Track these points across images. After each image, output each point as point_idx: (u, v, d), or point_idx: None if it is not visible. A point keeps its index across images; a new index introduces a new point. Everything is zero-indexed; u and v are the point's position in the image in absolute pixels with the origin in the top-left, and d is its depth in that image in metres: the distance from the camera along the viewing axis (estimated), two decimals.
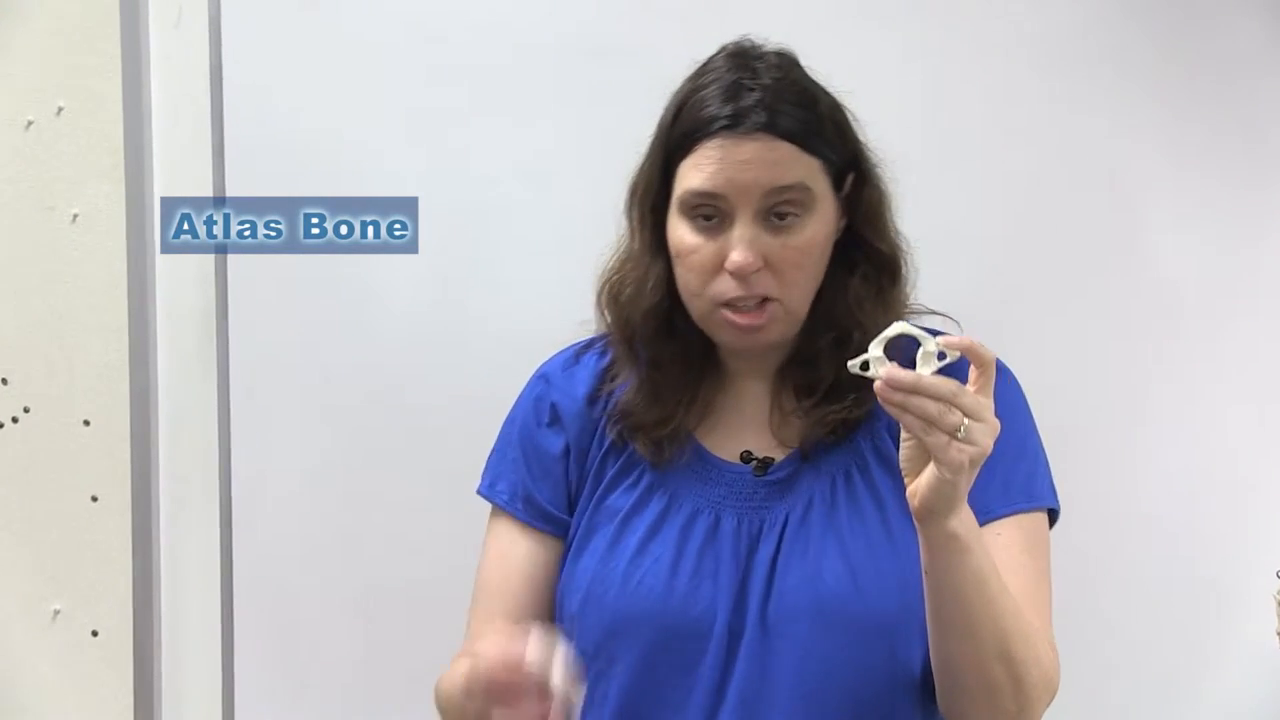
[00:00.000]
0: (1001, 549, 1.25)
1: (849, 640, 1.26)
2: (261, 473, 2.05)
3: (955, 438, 1.08)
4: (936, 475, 1.09)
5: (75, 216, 2.04)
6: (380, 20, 2.00)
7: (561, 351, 1.45)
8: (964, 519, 1.14)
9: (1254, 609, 1.93)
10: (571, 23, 1.95)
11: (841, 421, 1.33)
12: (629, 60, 1.93)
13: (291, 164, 2.00)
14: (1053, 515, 1.34)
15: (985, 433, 1.09)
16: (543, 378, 1.44)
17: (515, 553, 1.38)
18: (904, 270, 1.36)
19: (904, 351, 1.16)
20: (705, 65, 1.32)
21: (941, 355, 1.12)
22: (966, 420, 1.08)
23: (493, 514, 1.42)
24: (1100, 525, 1.87)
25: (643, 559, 1.31)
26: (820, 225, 1.29)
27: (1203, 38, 1.92)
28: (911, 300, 1.38)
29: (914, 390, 1.08)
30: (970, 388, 1.10)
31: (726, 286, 1.28)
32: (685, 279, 1.31)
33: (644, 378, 1.36)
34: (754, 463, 1.34)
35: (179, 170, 2.04)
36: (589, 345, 1.44)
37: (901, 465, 1.15)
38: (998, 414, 1.30)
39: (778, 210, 1.26)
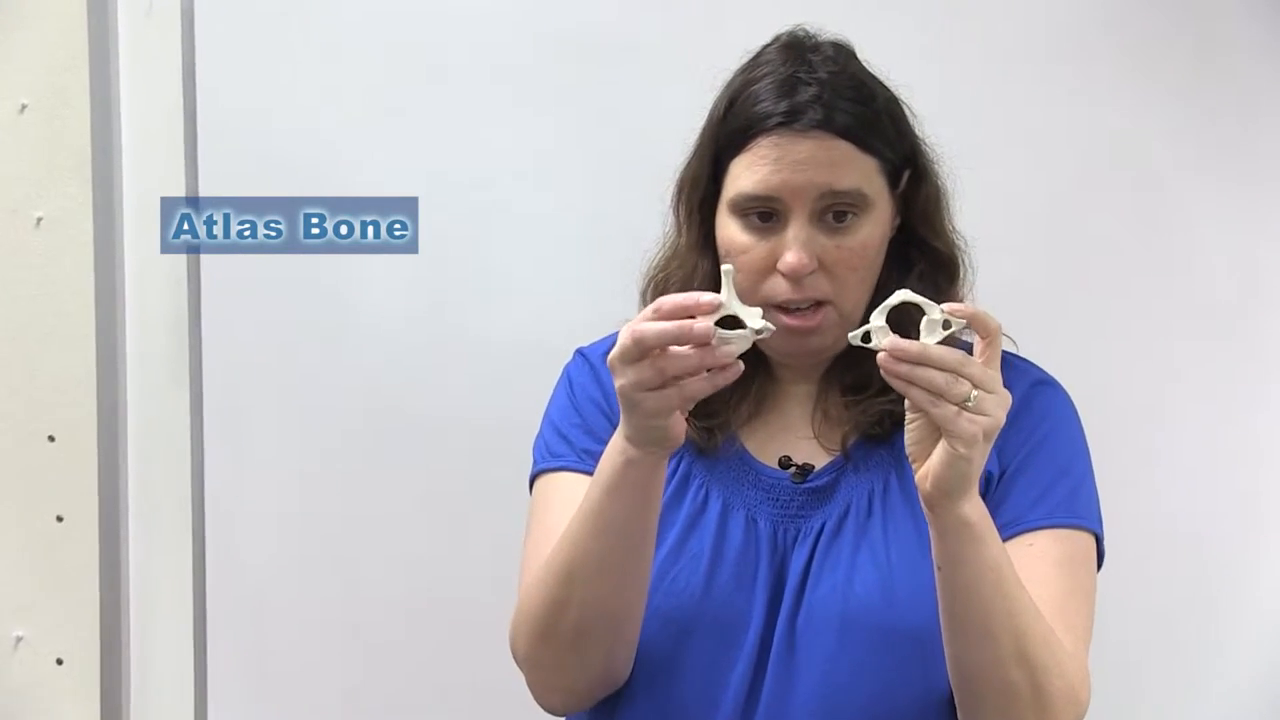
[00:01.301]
0: (1034, 558, 1.24)
1: (877, 653, 1.25)
2: (237, 490, 2.03)
3: (964, 408, 1.07)
4: (948, 451, 1.08)
5: (39, 220, 1.99)
6: (368, 10, 1.97)
7: (600, 341, 1.42)
8: (977, 506, 1.12)
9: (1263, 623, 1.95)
10: (572, 21, 1.94)
11: (888, 413, 1.30)
12: (630, 59, 1.92)
13: (268, 164, 1.97)
14: (1100, 552, 1.31)
15: (996, 404, 1.08)
16: (585, 358, 1.42)
17: None
18: (962, 269, 1.36)
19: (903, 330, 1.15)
20: (758, 57, 1.31)
21: (946, 325, 1.11)
22: (975, 390, 1.07)
23: (548, 484, 1.37)
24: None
25: (680, 555, 1.30)
26: (876, 226, 1.28)
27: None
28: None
29: (920, 360, 1.07)
30: (977, 359, 1.09)
31: (779, 288, 1.26)
32: (735, 281, 1.27)
33: None
34: (792, 469, 1.32)
35: (150, 170, 2.00)
36: None
37: (908, 449, 1.13)
38: (1045, 430, 1.30)
39: (834, 211, 1.25)
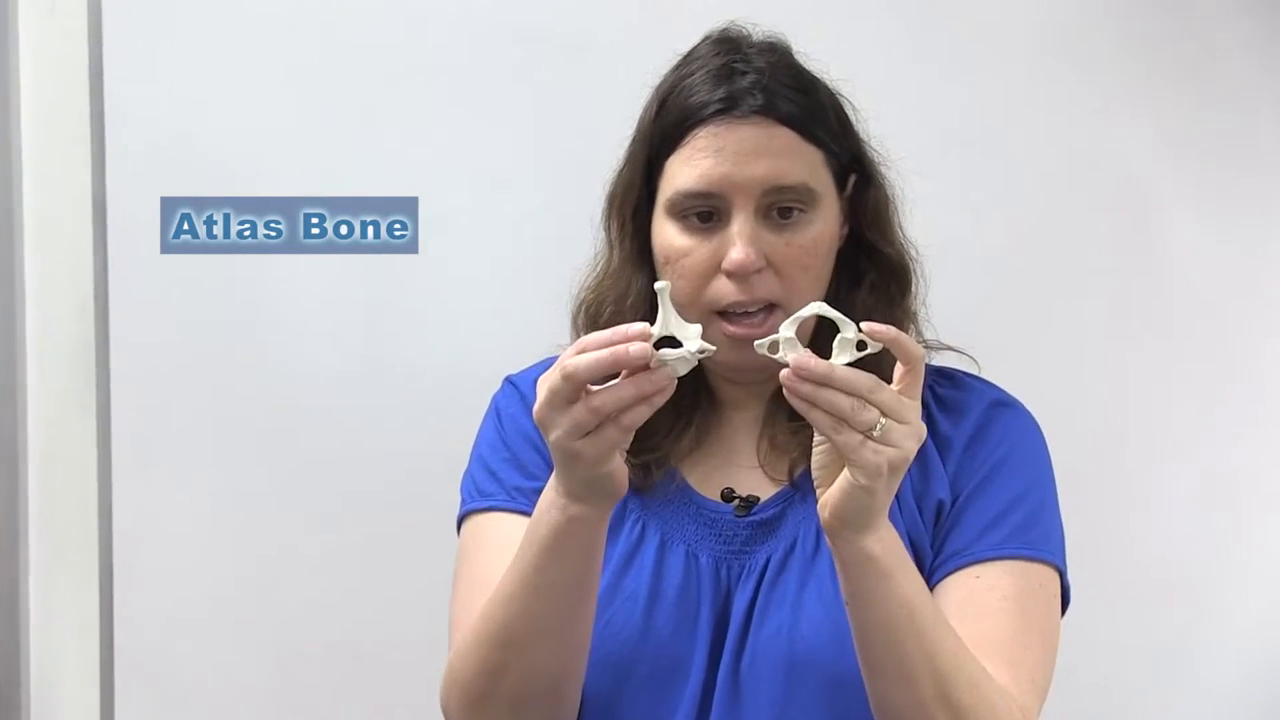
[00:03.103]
0: (981, 591, 1.22)
1: (827, 698, 1.22)
2: (148, 531, 1.96)
3: (870, 437, 1.04)
4: (850, 481, 1.05)
5: None
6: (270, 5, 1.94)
7: (531, 368, 1.40)
8: (884, 539, 1.10)
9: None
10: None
11: None
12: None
13: (178, 170, 1.93)
14: (1064, 587, 1.28)
15: (907, 434, 1.05)
16: (514, 386, 1.39)
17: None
18: (914, 278, 1.33)
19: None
20: (689, 54, 1.30)
21: (862, 346, 1.08)
22: (884, 419, 1.04)
23: (477, 526, 1.34)
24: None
25: (616, 595, 1.27)
26: (826, 223, 1.26)
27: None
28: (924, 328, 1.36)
29: (825, 382, 1.04)
30: (895, 386, 1.07)
31: (724, 291, 1.23)
32: (675, 287, 1.24)
33: None
34: (736, 502, 1.29)
35: (53, 180, 1.94)
36: None
37: (814, 474, 1.11)
38: (1001, 454, 1.27)
39: (780, 206, 1.23)
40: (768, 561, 1.25)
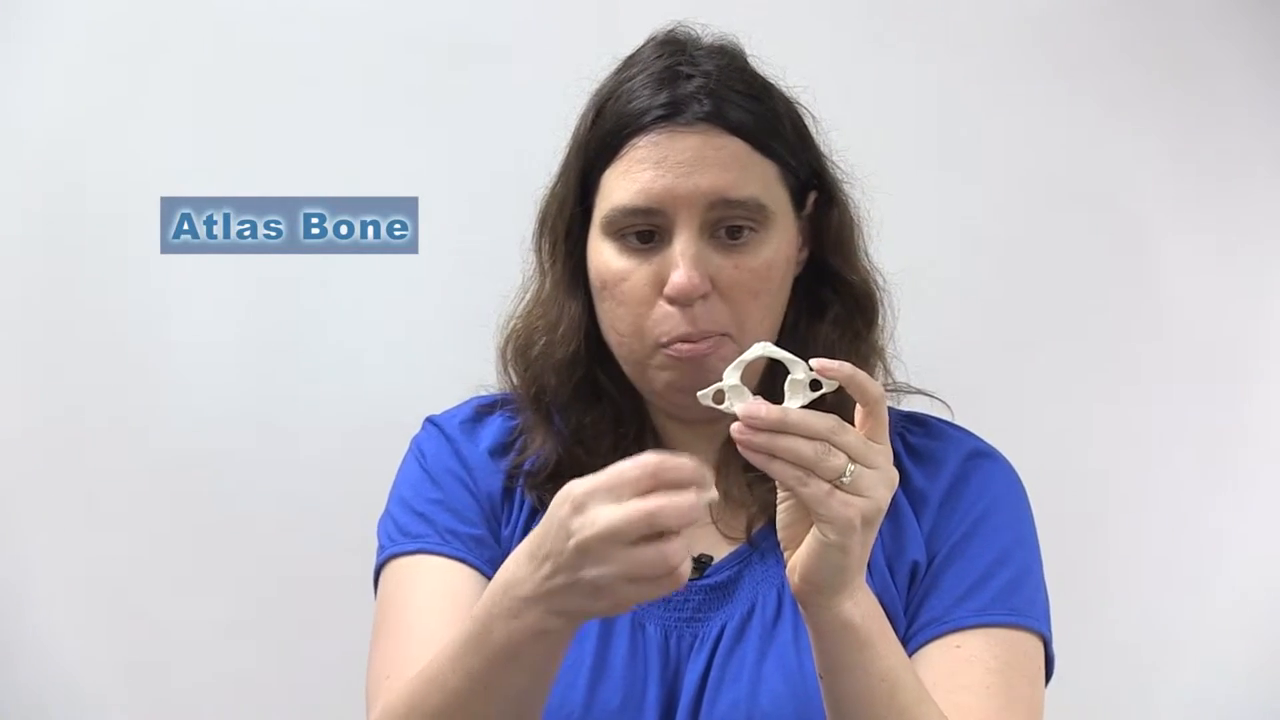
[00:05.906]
0: (962, 663, 1.18)
1: None
2: (19, 599, 1.91)
3: (839, 486, 0.99)
4: (819, 539, 1.01)
5: None
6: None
7: (455, 409, 1.37)
8: (862, 604, 1.06)
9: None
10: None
11: None
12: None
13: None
14: (1049, 657, 1.25)
15: (878, 481, 1.01)
16: (439, 428, 1.35)
17: (462, 589, 1.22)
18: (881, 309, 1.30)
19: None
20: (631, 57, 1.27)
21: (816, 386, 1.04)
22: (853, 465, 1.00)
23: (402, 571, 1.27)
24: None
25: None
26: (780, 245, 1.22)
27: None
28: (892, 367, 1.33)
29: (780, 428, 0.99)
30: (857, 430, 1.04)
31: (668, 322, 1.20)
32: (614, 315, 1.23)
33: (563, 454, 1.28)
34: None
35: None
36: (492, 405, 1.36)
37: (780, 534, 1.07)
38: (981, 511, 1.25)
39: (729, 225, 1.20)
40: (723, 630, 1.21)
